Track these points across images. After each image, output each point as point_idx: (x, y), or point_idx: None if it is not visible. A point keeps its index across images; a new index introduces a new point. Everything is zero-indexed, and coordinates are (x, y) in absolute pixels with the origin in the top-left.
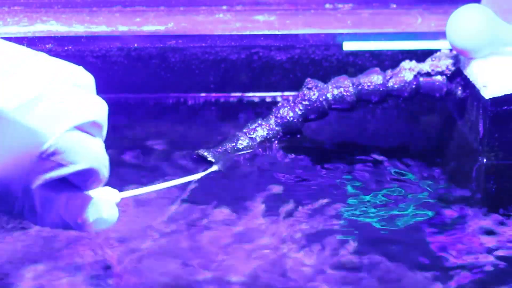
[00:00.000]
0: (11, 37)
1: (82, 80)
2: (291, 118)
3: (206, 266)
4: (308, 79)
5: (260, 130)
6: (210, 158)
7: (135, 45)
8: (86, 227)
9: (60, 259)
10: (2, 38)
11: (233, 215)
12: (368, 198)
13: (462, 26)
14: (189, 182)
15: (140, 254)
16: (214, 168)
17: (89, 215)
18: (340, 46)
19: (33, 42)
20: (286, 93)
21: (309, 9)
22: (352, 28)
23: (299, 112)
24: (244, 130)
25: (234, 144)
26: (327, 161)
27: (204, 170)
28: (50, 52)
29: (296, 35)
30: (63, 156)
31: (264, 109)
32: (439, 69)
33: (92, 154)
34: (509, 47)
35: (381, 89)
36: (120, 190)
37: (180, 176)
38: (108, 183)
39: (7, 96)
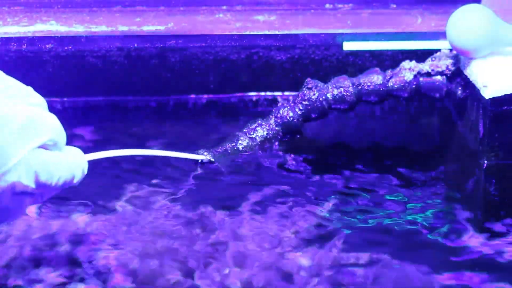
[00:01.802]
0: (11, 37)
1: (36, 99)
2: (291, 118)
3: (202, 268)
4: (308, 79)
5: (260, 130)
6: (210, 158)
7: (135, 45)
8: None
9: (58, 261)
10: (1, 37)
11: (232, 215)
12: (367, 198)
13: (462, 26)
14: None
15: (136, 255)
16: (206, 157)
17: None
18: (340, 46)
19: (33, 42)
20: (286, 93)
21: (309, 9)
22: (352, 28)
23: (299, 112)
24: (244, 130)
25: (234, 144)
26: (327, 161)
27: (203, 169)
28: (50, 52)
29: (296, 35)
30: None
31: (264, 109)
32: (439, 69)
33: (54, 171)
34: (509, 47)
35: (381, 89)
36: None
37: (180, 176)
38: (108, 183)
39: None
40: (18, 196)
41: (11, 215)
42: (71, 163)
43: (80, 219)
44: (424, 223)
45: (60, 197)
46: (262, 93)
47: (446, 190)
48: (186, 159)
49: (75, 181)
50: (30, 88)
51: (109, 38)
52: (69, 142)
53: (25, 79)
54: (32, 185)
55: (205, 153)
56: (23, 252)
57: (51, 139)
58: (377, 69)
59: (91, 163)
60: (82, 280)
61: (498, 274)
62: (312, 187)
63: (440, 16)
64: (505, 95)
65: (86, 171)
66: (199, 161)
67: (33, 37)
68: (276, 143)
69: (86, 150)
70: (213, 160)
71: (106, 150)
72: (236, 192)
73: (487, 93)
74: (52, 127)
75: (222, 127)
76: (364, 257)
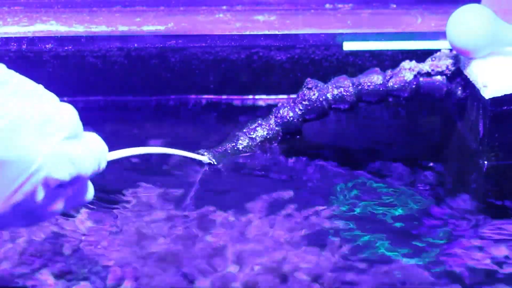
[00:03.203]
0: (11, 37)
1: (48, 95)
2: (291, 118)
3: (204, 270)
4: (308, 79)
5: (260, 130)
6: (210, 158)
7: (135, 45)
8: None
9: (58, 261)
10: (1, 37)
11: (232, 216)
12: (367, 198)
13: (463, 26)
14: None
15: (136, 255)
16: (205, 158)
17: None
18: (340, 46)
19: (33, 42)
20: (284, 96)
21: (309, 9)
22: (352, 28)
23: (299, 112)
24: (244, 130)
25: (234, 144)
26: (327, 162)
27: (202, 168)
28: (50, 52)
29: (296, 35)
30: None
31: (264, 109)
32: (439, 69)
33: (78, 164)
34: (509, 47)
35: (381, 89)
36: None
37: (180, 176)
38: (108, 184)
39: None
40: (53, 192)
41: (46, 214)
42: (94, 150)
43: (80, 220)
44: (425, 223)
45: None
46: (262, 93)
47: (446, 190)
48: (190, 160)
49: (101, 167)
50: (40, 86)
51: (109, 38)
52: None
53: None
54: (66, 178)
55: (205, 153)
56: (23, 251)
57: (71, 132)
58: (377, 69)
59: None
60: (81, 280)
61: (497, 273)
62: (312, 187)
63: (440, 16)
64: (505, 95)
65: (107, 156)
66: (205, 163)
67: (33, 37)
68: (276, 143)
69: None
70: (215, 162)
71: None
72: (236, 193)
73: (487, 93)
74: (70, 119)
75: (222, 127)
76: (365, 258)
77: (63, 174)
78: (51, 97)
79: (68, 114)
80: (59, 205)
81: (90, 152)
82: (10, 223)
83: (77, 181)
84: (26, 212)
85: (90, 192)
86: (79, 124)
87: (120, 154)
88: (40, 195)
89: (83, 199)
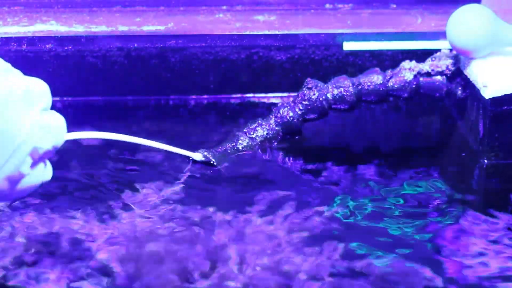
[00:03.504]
0: (11, 37)
1: (17, 71)
2: (291, 118)
3: (203, 269)
4: (308, 79)
5: (260, 130)
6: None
7: (135, 45)
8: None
9: (57, 261)
10: (1, 37)
11: (232, 216)
12: (368, 199)
13: (463, 26)
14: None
15: (136, 256)
16: (198, 156)
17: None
18: (340, 46)
19: (33, 42)
20: (285, 94)
21: (309, 9)
22: (352, 28)
23: (299, 112)
24: (244, 130)
25: (234, 144)
26: (327, 162)
27: (203, 169)
28: (50, 52)
29: (296, 35)
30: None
31: (264, 109)
32: (439, 69)
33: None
34: (509, 47)
35: (381, 89)
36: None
37: (179, 176)
38: (108, 183)
39: None
40: (37, 163)
41: (32, 185)
42: (63, 124)
43: (80, 219)
44: (425, 224)
45: (59, 196)
46: (262, 93)
47: (446, 190)
48: (188, 159)
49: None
50: (7, 63)
51: (109, 38)
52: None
53: None
54: (50, 147)
55: (205, 153)
56: (22, 251)
57: (47, 103)
58: (377, 69)
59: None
60: (81, 280)
61: (496, 273)
62: (312, 187)
63: (440, 16)
64: (505, 95)
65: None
66: (191, 159)
67: (33, 37)
68: (276, 143)
69: (86, 150)
70: (215, 162)
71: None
72: (235, 193)
73: (487, 93)
74: (45, 91)
75: (222, 127)
76: (365, 258)
77: (48, 144)
78: (19, 72)
79: (42, 86)
80: (46, 175)
81: (62, 123)
82: (2, 196)
83: (52, 152)
84: (16, 184)
85: (49, 170)
86: (50, 95)
87: (78, 135)
88: (28, 165)
89: (47, 176)
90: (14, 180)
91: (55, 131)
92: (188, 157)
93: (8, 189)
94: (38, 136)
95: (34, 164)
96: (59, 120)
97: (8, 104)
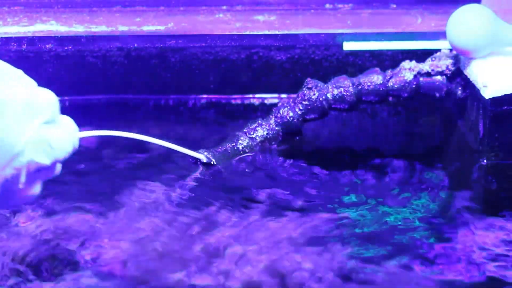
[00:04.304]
0: (11, 37)
1: (27, 79)
2: (291, 118)
3: (203, 269)
4: (308, 79)
5: (260, 130)
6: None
7: (135, 45)
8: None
9: (56, 260)
10: (1, 37)
11: (232, 216)
12: (368, 199)
13: (462, 26)
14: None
15: (136, 255)
16: (202, 157)
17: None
18: (340, 46)
19: (33, 42)
20: (284, 95)
21: (309, 9)
22: (352, 28)
23: (299, 112)
24: (244, 130)
25: (234, 144)
26: (327, 162)
27: (201, 168)
28: (50, 52)
29: (296, 35)
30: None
31: (264, 109)
32: (439, 69)
33: (58, 148)
34: (509, 47)
35: (381, 89)
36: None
37: (181, 176)
38: (108, 183)
39: None
40: (33, 175)
41: (24, 197)
42: (70, 134)
43: (80, 218)
44: (425, 224)
45: (59, 196)
46: (262, 93)
47: (446, 190)
48: (188, 159)
49: (75, 148)
50: (20, 71)
51: (109, 38)
52: None
53: None
54: (47, 162)
55: (205, 153)
56: (22, 251)
57: (50, 116)
58: (377, 69)
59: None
60: (81, 278)
61: (496, 273)
62: (312, 187)
63: (440, 16)
64: (505, 95)
65: (78, 142)
66: (199, 161)
67: (33, 37)
68: (276, 143)
69: (86, 149)
70: (214, 161)
71: (99, 132)
72: (235, 193)
73: (487, 93)
74: (49, 103)
75: (222, 127)
76: (365, 259)
77: (45, 159)
78: (30, 82)
79: (47, 98)
80: (36, 188)
81: (68, 136)
82: None
83: (54, 165)
84: (6, 195)
85: (58, 169)
86: (57, 108)
87: (90, 133)
88: (22, 178)
89: (51, 175)
90: (7, 190)
91: (56, 146)
92: (191, 157)
93: (1, 197)
94: (35, 150)
95: (30, 177)
96: (62, 135)
97: (6, 112)
